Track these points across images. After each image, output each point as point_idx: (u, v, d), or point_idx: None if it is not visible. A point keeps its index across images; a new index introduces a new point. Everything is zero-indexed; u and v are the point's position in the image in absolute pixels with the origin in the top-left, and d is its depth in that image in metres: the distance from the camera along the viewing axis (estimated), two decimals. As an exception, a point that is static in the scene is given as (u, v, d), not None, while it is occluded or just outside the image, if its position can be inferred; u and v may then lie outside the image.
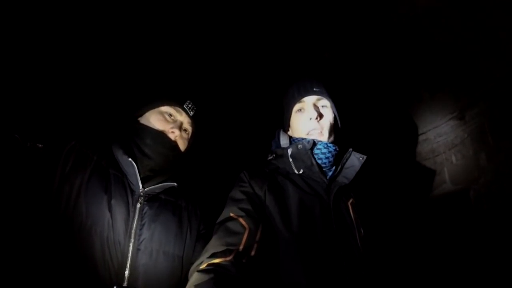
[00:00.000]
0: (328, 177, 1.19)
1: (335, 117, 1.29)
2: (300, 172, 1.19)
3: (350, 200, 1.15)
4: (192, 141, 1.32)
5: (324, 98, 1.27)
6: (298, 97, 1.27)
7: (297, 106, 1.28)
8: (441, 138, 1.71)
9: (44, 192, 1.00)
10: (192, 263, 1.02)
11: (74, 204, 1.01)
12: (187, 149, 1.28)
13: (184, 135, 1.26)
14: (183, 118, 1.26)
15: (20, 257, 0.92)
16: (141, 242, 1.07)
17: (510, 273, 1.22)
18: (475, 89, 1.50)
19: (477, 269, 1.38)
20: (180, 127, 1.23)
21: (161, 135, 1.18)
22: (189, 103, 1.27)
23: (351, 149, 1.23)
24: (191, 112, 1.26)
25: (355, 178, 1.19)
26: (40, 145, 1.07)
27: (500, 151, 1.40)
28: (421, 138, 1.83)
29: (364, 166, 1.20)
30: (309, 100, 1.26)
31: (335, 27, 1.63)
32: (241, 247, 0.98)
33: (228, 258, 0.95)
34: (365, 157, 1.20)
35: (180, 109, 1.25)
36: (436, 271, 1.43)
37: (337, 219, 1.10)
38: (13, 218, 0.95)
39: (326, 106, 1.27)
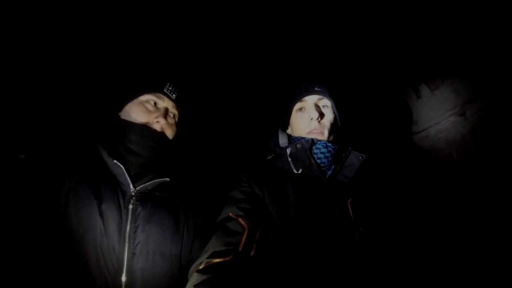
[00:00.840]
0: (327, 176, 1.19)
1: (335, 117, 1.29)
2: (299, 172, 1.19)
3: (350, 199, 1.15)
4: (180, 125, 1.24)
5: (325, 98, 1.27)
6: (299, 96, 1.27)
7: (297, 105, 1.28)
8: (442, 135, 1.70)
9: (31, 203, 0.96)
10: (190, 260, 1.02)
11: (64, 212, 0.97)
12: (176, 135, 1.21)
13: (171, 121, 1.18)
14: (166, 103, 1.17)
15: (12, 270, 0.90)
16: (136, 245, 1.02)
17: (510, 270, 1.22)
18: (475, 85, 1.49)
19: (478, 267, 1.37)
20: (165, 114, 1.14)
21: (146, 128, 1.10)
22: (169, 86, 1.17)
23: (350, 148, 1.23)
24: (173, 95, 1.17)
25: (355, 177, 1.19)
26: (22, 156, 1.02)
27: (501, 147, 1.39)
28: (422, 135, 1.82)
29: (364, 164, 1.20)
30: (310, 100, 1.26)
31: (335, 23, 1.63)
32: (240, 247, 0.99)
33: (227, 258, 0.95)
34: (364, 156, 1.20)
35: (160, 95, 1.15)
36: (437, 268, 1.42)
37: (336, 218, 1.10)
38: (2, 231, 0.92)
39: (327, 106, 1.27)
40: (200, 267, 0.93)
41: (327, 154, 1.19)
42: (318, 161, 1.18)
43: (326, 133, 1.23)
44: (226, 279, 0.91)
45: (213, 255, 0.96)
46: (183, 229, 1.14)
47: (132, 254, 1.01)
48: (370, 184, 1.22)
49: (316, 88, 1.28)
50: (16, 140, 1.13)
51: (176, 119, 1.22)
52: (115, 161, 1.05)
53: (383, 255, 1.09)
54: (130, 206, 1.05)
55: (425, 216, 1.57)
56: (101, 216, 1.00)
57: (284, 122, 1.35)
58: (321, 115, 1.24)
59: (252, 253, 1.00)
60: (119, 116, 1.15)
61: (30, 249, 0.93)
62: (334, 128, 1.27)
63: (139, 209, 1.07)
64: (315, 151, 1.19)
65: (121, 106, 1.16)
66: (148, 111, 1.13)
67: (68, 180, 1.02)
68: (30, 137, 1.23)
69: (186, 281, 0.94)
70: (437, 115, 1.70)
